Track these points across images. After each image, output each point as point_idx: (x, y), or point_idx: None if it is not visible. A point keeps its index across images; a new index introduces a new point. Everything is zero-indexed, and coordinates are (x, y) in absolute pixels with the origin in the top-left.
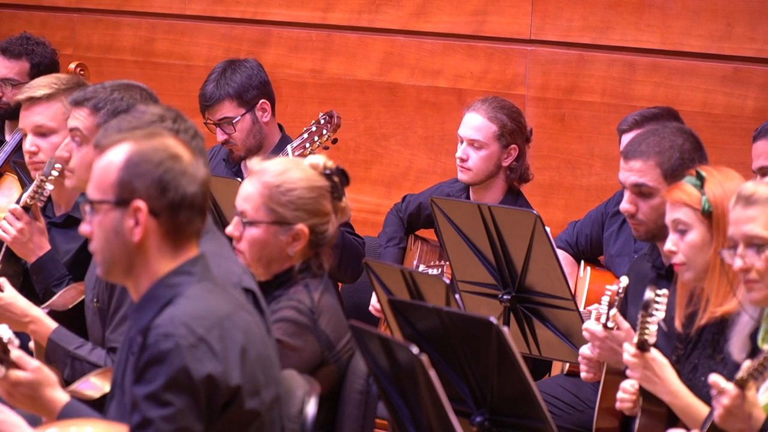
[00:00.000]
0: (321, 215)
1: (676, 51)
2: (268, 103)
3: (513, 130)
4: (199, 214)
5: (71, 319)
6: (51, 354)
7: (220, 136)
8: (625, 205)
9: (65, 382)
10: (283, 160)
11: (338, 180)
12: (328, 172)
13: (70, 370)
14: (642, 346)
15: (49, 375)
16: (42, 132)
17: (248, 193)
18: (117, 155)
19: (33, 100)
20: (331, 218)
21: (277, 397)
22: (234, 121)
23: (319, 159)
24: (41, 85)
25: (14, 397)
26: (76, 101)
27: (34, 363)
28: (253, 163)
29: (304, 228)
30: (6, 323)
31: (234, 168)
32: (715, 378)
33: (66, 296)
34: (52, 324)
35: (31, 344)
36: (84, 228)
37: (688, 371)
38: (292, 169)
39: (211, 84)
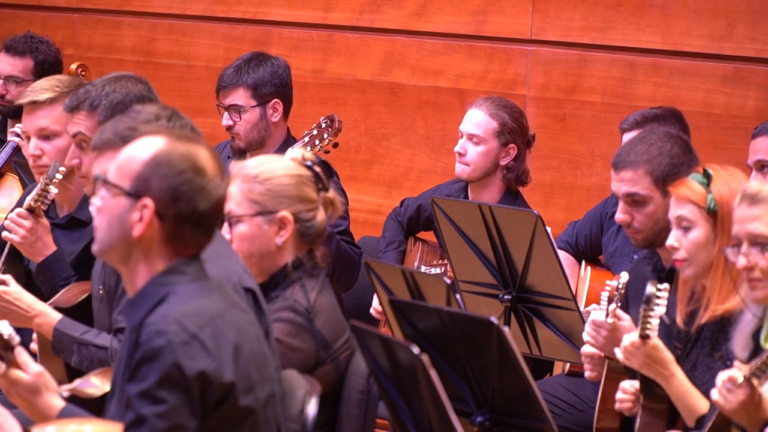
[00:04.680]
0: (304, 202)
1: (677, 51)
2: (281, 103)
3: (513, 129)
4: (204, 232)
5: (76, 314)
6: (57, 344)
7: (225, 121)
8: (619, 216)
9: (72, 371)
10: (262, 156)
11: (321, 170)
12: (308, 163)
13: (78, 356)
14: (644, 340)
15: (48, 381)
16: (46, 135)
17: (231, 193)
18: (147, 148)
19: (36, 104)
20: (317, 207)
21: (272, 394)
22: (242, 110)
23: (299, 152)
24: (44, 89)
25: (11, 395)
26: (71, 107)
27: (36, 368)
28: (232, 166)
29: (288, 215)
30: (13, 317)
31: None
32: (734, 373)
33: (69, 294)
34: (57, 315)
35: (33, 346)
36: (95, 200)
37: (687, 369)
38: (270, 161)
39: (232, 68)
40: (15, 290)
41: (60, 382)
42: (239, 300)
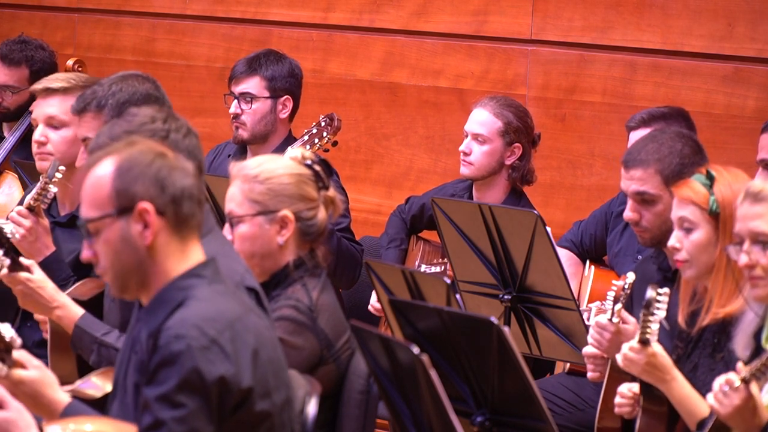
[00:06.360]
0: (305, 200)
1: (677, 51)
2: (291, 101)
3: (518, 129)
4: (198, 205)
5: (90, 308)
6: (77, 340)
7: (234, 109)
8: (628, 214)
9: (82, 364)
10: (262, 156)
11: (320, 169)
12: (308, 162)
13: (96, 356)
14: (644, 345)
15: (50, 375)
16: (53, 124)
17: (231, 194)
18: (104, 169)
19: (49, 91)
20: (318, 205)
21: (287, 399)
22: (253, 99)
23: (299, 151)
24: (60, 79)
25: (16, 396)
26: (78, 110)
27: (36, 362)
28: (231, 167)
29: (289, 214)
30: (34, 306)
31: None
32: (731, 376)
33: (85, 287)
34: (79, 310)
35: (46, 335)
36: (85, 254)
37: (688, 370)
38: (270, 161)
39: (248, 59)
40: (39, 278)
41: (69, 375)
42: (254, 304)
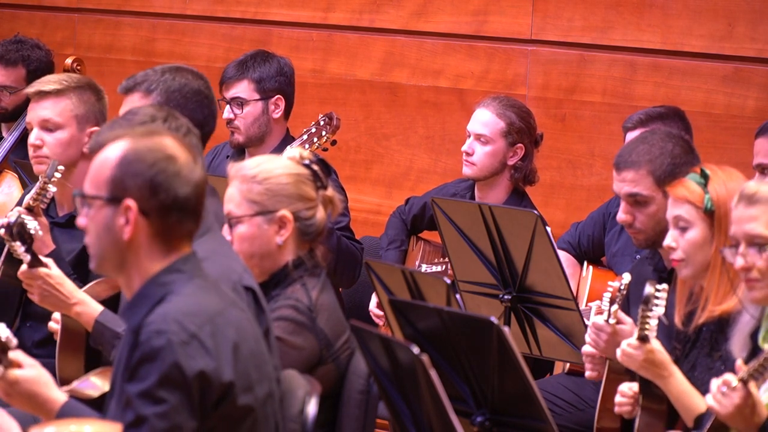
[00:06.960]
0: (303, 200)
1: (677, 51)
2: (283, 100)
3: (520, 129)
4: (191, 216)
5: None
6: (98, 336)
7: (227, 114)
8: (621, 216)
9: (90, 364)
10: (260, 156)
11: (319, 168)
12: (306, 162)
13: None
14: (643, 341)
15: (46, 374)
16: (48, 127)
17: (230, 194)
18: (114, 152)
19: (42, 94)
20: (317, 205)
21: (270, 393)
22: (244, 103)
23: (297, 151)
24: (51, 81)
25: (12, 396)
26: (126, 89)
27: (31, 361)
28: (229, 168)
29: (287, 214)
30: (52, 302)
31: None
32: (728, 377)
33: (100, 287)
34: (98, 307)
35: (53, 325)
36: (80, 221)
37: (686, 370)
38: (268, 161)
39: (237, 62)
40: (57, 274)
41: (76, 373)
42: (237, 298)
